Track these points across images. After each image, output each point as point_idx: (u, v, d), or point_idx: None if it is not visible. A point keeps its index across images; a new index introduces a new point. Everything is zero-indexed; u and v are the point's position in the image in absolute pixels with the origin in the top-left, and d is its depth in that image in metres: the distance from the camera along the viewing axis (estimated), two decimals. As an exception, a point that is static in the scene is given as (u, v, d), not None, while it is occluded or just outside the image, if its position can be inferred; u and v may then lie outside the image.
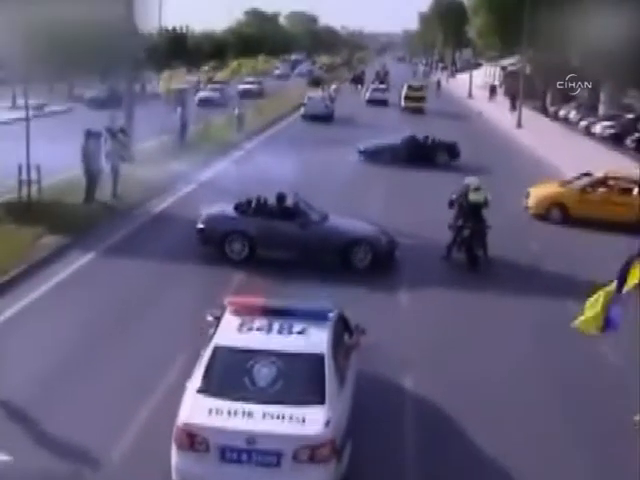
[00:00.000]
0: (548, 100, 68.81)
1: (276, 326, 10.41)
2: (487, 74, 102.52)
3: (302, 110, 55.46)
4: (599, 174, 25.68)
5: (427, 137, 37.91)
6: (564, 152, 41.99)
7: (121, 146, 25.59)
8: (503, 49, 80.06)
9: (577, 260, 20.84)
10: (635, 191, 24.69)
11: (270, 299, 11.31)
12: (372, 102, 69.50)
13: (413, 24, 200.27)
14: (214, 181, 29.81)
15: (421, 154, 36.66)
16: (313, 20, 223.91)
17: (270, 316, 10.63)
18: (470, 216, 19.50)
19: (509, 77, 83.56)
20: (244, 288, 16.62)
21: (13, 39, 25.82)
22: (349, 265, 18.79)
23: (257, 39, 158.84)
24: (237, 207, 19.51)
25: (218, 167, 33.23)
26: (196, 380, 9.81)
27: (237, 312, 10.80)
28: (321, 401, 9.44)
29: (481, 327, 16.06)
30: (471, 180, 20.17)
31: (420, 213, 24.69)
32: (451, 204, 20.01)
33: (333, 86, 75.51)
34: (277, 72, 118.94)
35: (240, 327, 10.43)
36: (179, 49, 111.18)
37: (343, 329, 11.52)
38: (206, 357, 10.01)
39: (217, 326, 10.76)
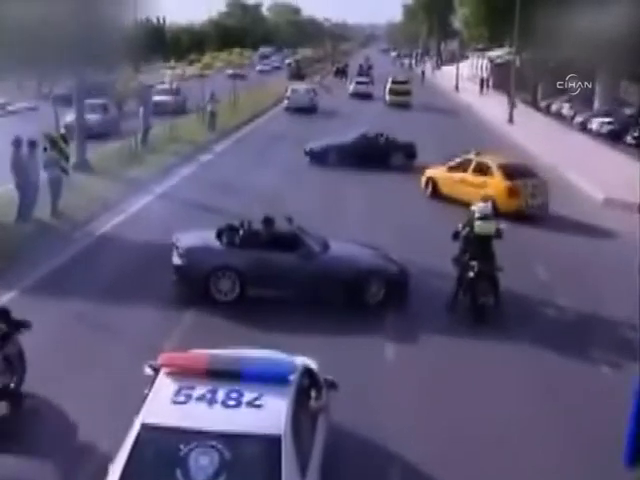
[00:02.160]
0: (539, 93, 65.73)
1: (221, 394, 8.27)
2: (474, 66, 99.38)
3: (285, 102, 55.29)
4: (469, 156, 26.32)
5: (380, 135, 33.80)
6: (560, 150, 38.98)
7: (61, 155, 22.19)
8: (491, 40, 77.17)
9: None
10: (490, 173, 24.82)
11: (216, 355, 9.10)
12: (356, 95, 67.77)
13: (397, 15, 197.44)
14: (174, 192, 26.56)
15: (374, 155, 32.44)
16: (296, 11, 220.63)
17: (215, 380, 8.48)
18: (477, 252, 15.73)
19: (497, 69, 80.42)
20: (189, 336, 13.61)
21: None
22: (359, 301, 15.86)
23: (238, 31, 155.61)
24: (220, 236, 16.18)
25: (181, 174, 29.91)
26: (114, 472, 7.69)
27: (173, 374, 8.63)
28: None
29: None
30: (478, 207, 16.37)
31: (381, 231, 21.28)
32: (455, 236, 16.22)
33: (317, 79, 73.36)
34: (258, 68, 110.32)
35: (176, 396, 8.29)
36: (156, 42, 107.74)
37: (309, 388, 9.33)
38: (129, 439, 7.90)
39: (148, 392, 8.59)
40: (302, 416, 8.59)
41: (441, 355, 14.11)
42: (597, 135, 46.89)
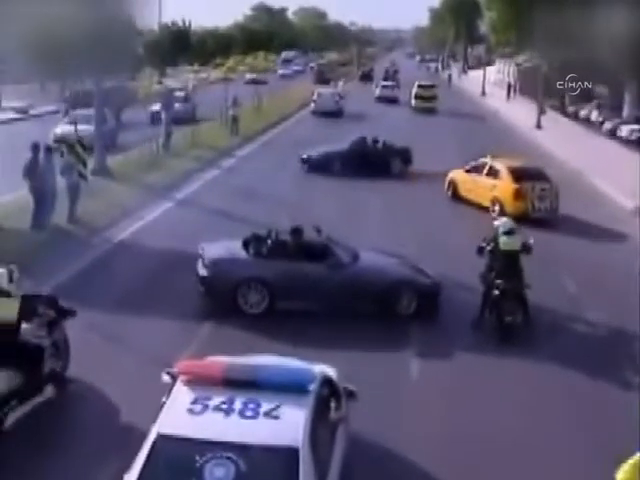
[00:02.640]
0: (567, 99, 64.80)
1: (239, 404, 8.04)
2: (501, 71, 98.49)
3: (312, 106, 55.64)
4: (484, 159, 26.55)
5: (377, 141, 32.77)
6: (589, 156, 38.23)
7: (79, 160, 21.82)
8: (518, 45, 76.22)
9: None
10: (500, 176, 25.02)
11: (234, 363, 8.92)
12: (382, 100, 67.35)
13: (424, 20, 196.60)
14: (195, 198, 26.15)
15: (372, 162, 31.38)
16: (322, 16, 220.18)
17: (233, 389, 8.26)
18: (503, 269, 14.90)
19: (524, 74, 79.51)
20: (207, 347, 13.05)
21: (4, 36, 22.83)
22: (390, 313, 15.40)
23: (264, 35, 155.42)
24: (247, 246, 15.76)
25: (202, 180, 29.50)
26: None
27: (190, 382, 8.44)
28: None
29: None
30: (502, 221, 15.45)
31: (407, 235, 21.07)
32: (480, 251, 15.38)
33: (340, 83, 74.25)
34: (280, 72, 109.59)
35: (192, 405, 8.08)
36: (182, 45, 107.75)
37: (329, 398, 9.05)
38: (144, 449, 7.70)
39: (166, 400, 8.42)
40: (321, 427, 8.33)
41: (465, 373, 13.54)
42: (627, 142, 46.02)
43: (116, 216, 22.34)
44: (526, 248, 15.13)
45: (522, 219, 21.42)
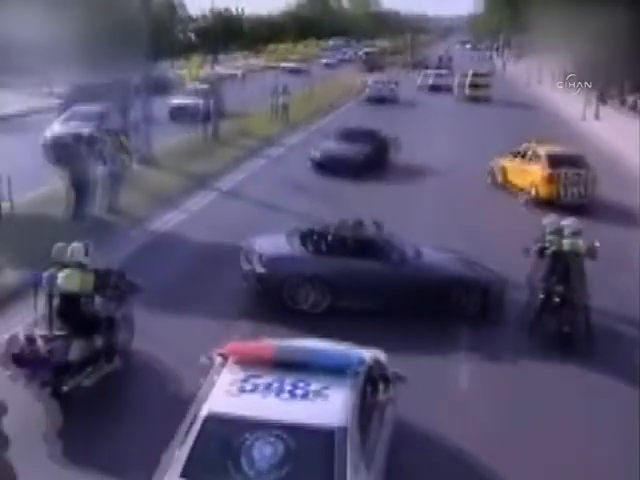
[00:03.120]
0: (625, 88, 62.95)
1: (288, 384, 8.25)
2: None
3: (366, 92, 55.73)
4: (530, 144, 26.79)
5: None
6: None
7: (122, 149, 21.28)
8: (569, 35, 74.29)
9: None
10: (538, 161, 25.41)
11: (283, 345, 9.25)
12: (434, 88, 66.11)
13: (479, 7, 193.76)
14: (241, 189, 25.47)
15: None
16: (376, 3, 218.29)
17: (282, 370, 8.47)
18: (564, 274, 13.78)
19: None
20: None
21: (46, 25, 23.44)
22: (456, 311, 14.71)
23: (316, 22, 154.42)
24: (305, 242, 15.14)
25: (250, 169, 28.85)
26: (179, 459, 7.68)
27: (241, 363, 8.66)
28: None
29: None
30: (568, 222, 14.36)
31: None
32: (542, 252, 14.14)
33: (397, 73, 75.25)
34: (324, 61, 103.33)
35: (243, 384, 8.29)
36: (233, 32, 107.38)
37: (377, 381, 9.30)
38: (194, 428, 7.88)
39: (212, 379, 8.61)
40: (368, 408, 8.54)
41: (517, 380, 12.72)
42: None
43: (158, 206, 21.79)
44: (591, 252, 14.01)
45: (553, 204, 23.35)
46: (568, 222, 14.26)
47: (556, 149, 26.53)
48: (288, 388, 8.18)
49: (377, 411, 8.98)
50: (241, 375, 8.43)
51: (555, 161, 25.03)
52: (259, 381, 8.28)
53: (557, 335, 13.74)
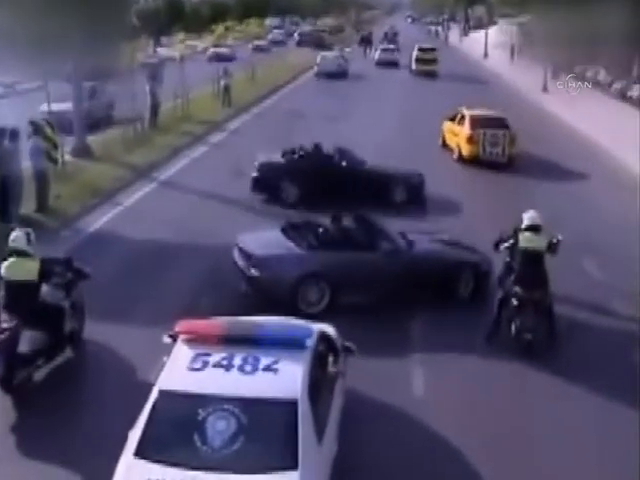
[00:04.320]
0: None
1: (238, 360, 8.28)
2: (503, 32, 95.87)
3: (315, 69, 56.94)
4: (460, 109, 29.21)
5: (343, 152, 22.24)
6: (602, 121, 36.32)
7: (49, 143, 19.92)
8: (521, 4, 73.84)
9: None
10: (463, 123, 27.97)
11: (233, 322, 9.28)
12: (381, 64, 66.16)
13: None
14: (181, 177, 24.24)
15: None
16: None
17: (231, 346, 8.50)
18: (524, 273, 12.53)
19: (528, 35, 77.07)
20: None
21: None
22: (451, 296, 14.55)
23: (261, 1, 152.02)
24: (296, 239, 14.44)
25: (190, 156, 27.60)
26: (132, 439, 7.80)
27: (190, 341, 8.66)
28: (293, 465, 7.48)
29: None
30: (527, 215, 12.96)
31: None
32: (497, 246, 13.27)
33: (347, 49, 76.22)
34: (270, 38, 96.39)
35: (192, 363, 8.31)
36: (176, 14, 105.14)
37: (326, 354, 9.37)
38: (146, 408, 7.96)
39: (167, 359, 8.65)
40: (319, 381, 8.60)
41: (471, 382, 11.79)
42: (639, 103, 43.90)
43: (92, 202, 20.48)
44: (552, 247, 12.79)
45: (474, 161, 26.81)
46: (527, 215, 12.95)
47: (479, 112, 28.94)
48: (238, 363, 8.20)
49: (328, 383, 9.06)
50: (191, 353, 8.44)
51: (477, 122, 27.48)
52: (209, 358, 8.29)
53: (516, 341, 12.57)
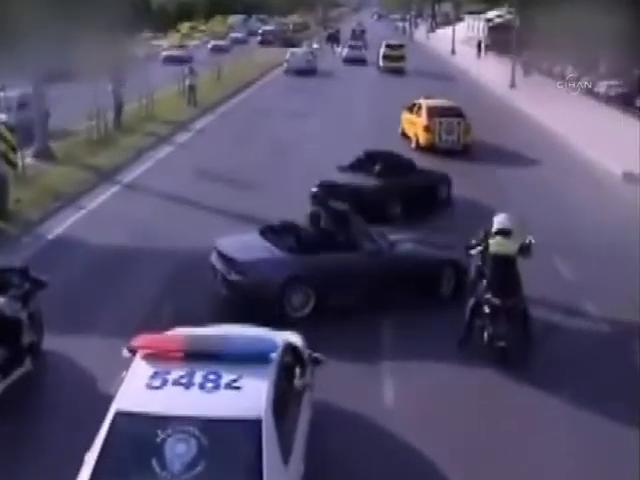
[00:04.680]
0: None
1: (199, 377, 7.81)
2: (470, 28, 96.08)
3: (285, 65, 57.46)
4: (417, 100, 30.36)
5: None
6: (568, 116, 36.21)
7: (6, 146, 19.41)
8: (487, 0, 74.09)
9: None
10: (420, 113, 29.13)
11: (194, 335, 8.76)
12: (349, 61, 66.20)
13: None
14: (145, 179, 23.76)
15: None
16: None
17: (192, 362, 8.03)
18: (495, 278, 12.06)
19: (495, 31, 77.25)
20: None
21: None
22: (434, 293, 14.52)
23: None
24: (277, 242, 14.04)
25: (155, 157, 27.08)
26: (88, 463, 7.27)
27: (149, 357, 8.19)
28: None
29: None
30: (497, 218, 12.49)
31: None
32: (468, 250, 12.94)
33: (315, 45, 75.87)
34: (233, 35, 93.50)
35: (151, 380, 7.84)
36: (142, 12, 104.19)
37: (293, 366, 8.90)
38: (102, 430, 7.48)
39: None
40: (285, 396, 8.18)
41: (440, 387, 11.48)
42: (605, 99, 43.99)
43: (54, 206, 19.97)
44: (524, 250, 12.32)
45: (431, 149, 27.85)
46: (498, 219, 12.51)
47: (435, 102, 30.03)
48: (199, 381, 7.76)
49: (294, 398, 8.64)
50: (149, 370, 7.99)
51: (433, 112, 28.65)
52: (168, 376, 7.86)
53: (489, 348, 12.14)
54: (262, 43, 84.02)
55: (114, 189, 22.52)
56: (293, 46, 71.43)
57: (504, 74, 51.31)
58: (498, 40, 71.17)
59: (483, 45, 75.46)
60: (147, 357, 8.19)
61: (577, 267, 16.57)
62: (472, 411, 10.93)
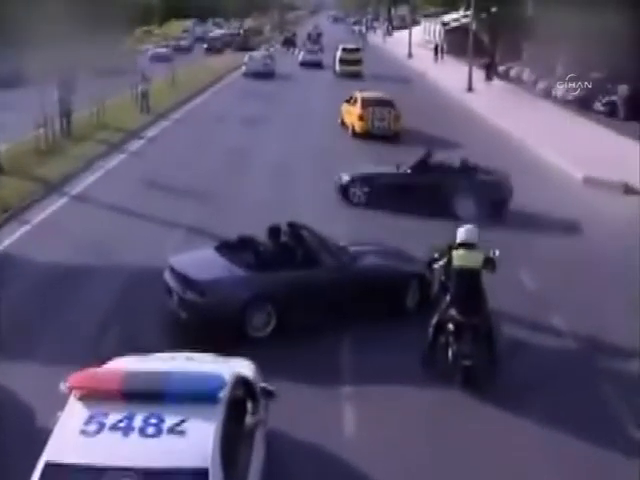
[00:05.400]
0: (497, 58, 62.46)
1: (139, 420, 7.09)
2: (426, 31, 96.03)
3: (243, 68, 58.36)
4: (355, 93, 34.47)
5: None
6: (527, 120, 36.13)
7: None
8: (444, 3, 74.06)
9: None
10: (356, 104, 32.95)
11: (134, 372, 7.73)
12: (306, 65, 66.37)
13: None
14: (95, 191, 22.87)
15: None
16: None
17: (132, 403, 7.28)
18: (459, 293, 11.45)
19: (451, 34, 77.19)
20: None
21: None
22: (399, 308, 14.01)
23: (184, 2, 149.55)
24: (234, 259, 13.35)
25: (105, 167, 26.14)
26: None
27: (85, 397, 7.42)
28: None
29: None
30: (460, 230, 11.94)
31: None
32: (430, 265, 12.46)
33: (272, 49, 76.37)
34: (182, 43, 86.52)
35: (86, 425, 7.10)
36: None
37: (244, 401, 8.19)
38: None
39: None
40: (235, 439, 7.50)
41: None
42: (563, 102, 43.87)
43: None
44: (489, 265, 11.73)
45: (365, 135, 31.65)
46: (461, 230, 11.92)
47: (369, 94, 34.20)
48: (139, 425, 7.05)
49: (246, 439, 7.93)
50: (84, 413, 7.25)
51: (367, 103, 32.48)
52: (105, 419, 7.14)
53: (453, 367, 11.49)
54: (209, 51, 79.14)
55: (62, 201, 21.61)
56: (249, 50, 70.93)
57: (462, 78, 50.95)
58: (455, 43, 71.16)
59: (440, 48, 75.25)
60: (82, 398, 7.43)
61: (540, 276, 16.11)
62: (438, 438, 10.34)
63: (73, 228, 19.04)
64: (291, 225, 14.15)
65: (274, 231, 13.83)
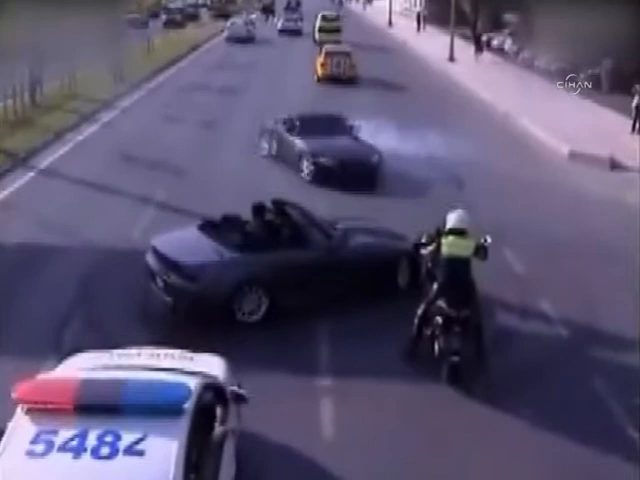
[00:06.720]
0: (479, 28, 61.41)
1: (92, 438, 6.23)
2: (407, 0, 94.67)
3: (225, 33, 61.42)
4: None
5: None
6: (510, 93, 35.54)
7: None
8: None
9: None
10: (320, 54, 40.40)
11: (90, 381, 6.90)
12: (285, 32, 66.07)
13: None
14: (64, 164, 21.97)
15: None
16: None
17: (85, 417, 6.44)
18: (447, 283, 10.76)
19: (433, 3, 75.92)
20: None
21: None
22: (392, 288, 13.41)
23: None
24: (224, 240, 12.67)
25: (74, 140, 25.20)
26: None
27: (33, 411, 6.56)
28: None
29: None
30: (450, 215, 11.14)
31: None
32: (417, 249, 11.83)
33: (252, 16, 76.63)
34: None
35: (32, 444, 6.25)
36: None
37: (212, 408, 7.21)
38: None
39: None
40: (202, 456, 6.67)
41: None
42: (546, 73, 43.09)
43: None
44: (480, 252, 10.99)
45: (326, 79, 38.52)
46: (451, 216, 11.09)
47: (332, 47, 41.83)
48: (92, 444, 6.25)
49: (214, 453, 6.99)
50: (32, 430, 6.44)
51: (328, 54, 40.02)
52: (54, 438, 6.34)
53: (439, 362, 10.71)
54: (167, 24, 70.68)
55: (29, 175, 20.71)
56: (227, 17, 70.54)
57: (444, 47, 50.02)
58: (436, 12, 70.06)
59: (422, 17, 74.01)
60: (30, 411, 6.62)
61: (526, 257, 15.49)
62: (423, 440, 9.66)
63: (40, 205, 18.23)
64: (276, 202, 13.47)
65: (258, 209, 13.13)
